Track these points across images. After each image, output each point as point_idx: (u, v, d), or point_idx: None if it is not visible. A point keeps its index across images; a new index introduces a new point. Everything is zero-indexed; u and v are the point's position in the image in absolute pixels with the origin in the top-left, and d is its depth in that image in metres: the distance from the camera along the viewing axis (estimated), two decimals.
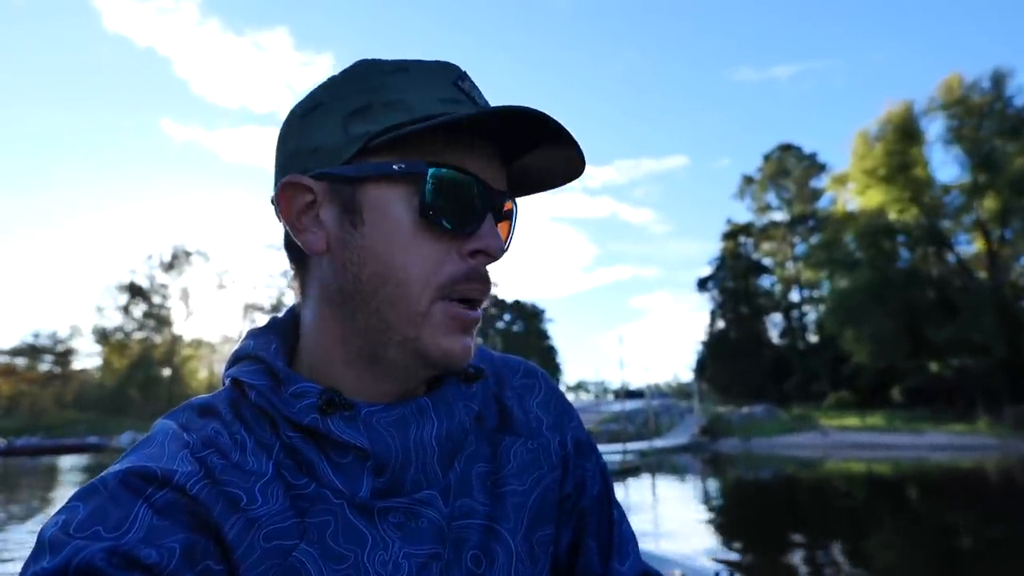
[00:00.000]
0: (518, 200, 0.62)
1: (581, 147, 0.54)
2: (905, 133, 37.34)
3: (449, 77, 0.55)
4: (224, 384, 0.58)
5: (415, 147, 0.52)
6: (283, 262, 0.60)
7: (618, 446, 26.16)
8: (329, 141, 0.53)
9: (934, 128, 38.90)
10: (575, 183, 0.59)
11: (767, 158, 56.10)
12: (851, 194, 41.71)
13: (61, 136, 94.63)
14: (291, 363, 0.59)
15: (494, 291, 0.53)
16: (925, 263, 40.01)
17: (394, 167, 0.52)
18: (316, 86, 0.57)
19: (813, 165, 53.40)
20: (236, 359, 0.59)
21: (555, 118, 0.51)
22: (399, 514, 0.54)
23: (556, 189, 0.61)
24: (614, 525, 0.69)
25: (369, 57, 0.57)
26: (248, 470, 0.52)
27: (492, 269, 0.56)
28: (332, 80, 0.56)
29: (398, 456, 0.54)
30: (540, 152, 0.58)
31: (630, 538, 0.69)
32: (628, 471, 19.73)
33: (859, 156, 39.07)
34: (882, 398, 39.23)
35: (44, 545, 0.44)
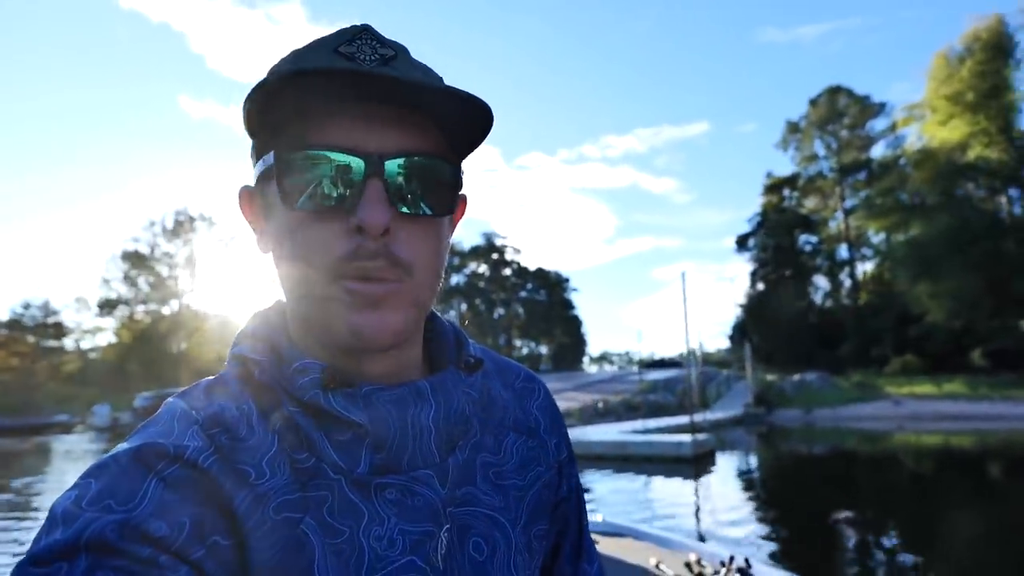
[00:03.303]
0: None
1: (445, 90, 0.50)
2: (998, 51, 31.68)
3: (331, 45, 0.52)
4: (228, 363, 0.60)
5: (296, 135, 0.51)
6: None
7: (681, 419, 21.67)
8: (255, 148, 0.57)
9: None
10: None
11: (813, 103, 50.34)
12: (923, 130, 36.32)
13: (83, 114, 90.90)
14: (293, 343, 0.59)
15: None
16: (1010, 206, 34.78)
17: (258, 162, 0.54)
18: None
19: (868, 106, 47.75)
20: (242, 338, 0.60)
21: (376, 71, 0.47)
22: (395, 491, 0.55)
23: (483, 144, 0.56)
24: (583, 529, 0.75)
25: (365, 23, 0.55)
26: (255, 444, 0.52)
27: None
28: None
29: (395, 434, 0.55)
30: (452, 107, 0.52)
31: (591, 542, 0.77)
32: (703, 457, 14.57)
33: (939, 81, 33.60)
34: (956, 362, 34.41)
35: (56, 518, 0.45)
